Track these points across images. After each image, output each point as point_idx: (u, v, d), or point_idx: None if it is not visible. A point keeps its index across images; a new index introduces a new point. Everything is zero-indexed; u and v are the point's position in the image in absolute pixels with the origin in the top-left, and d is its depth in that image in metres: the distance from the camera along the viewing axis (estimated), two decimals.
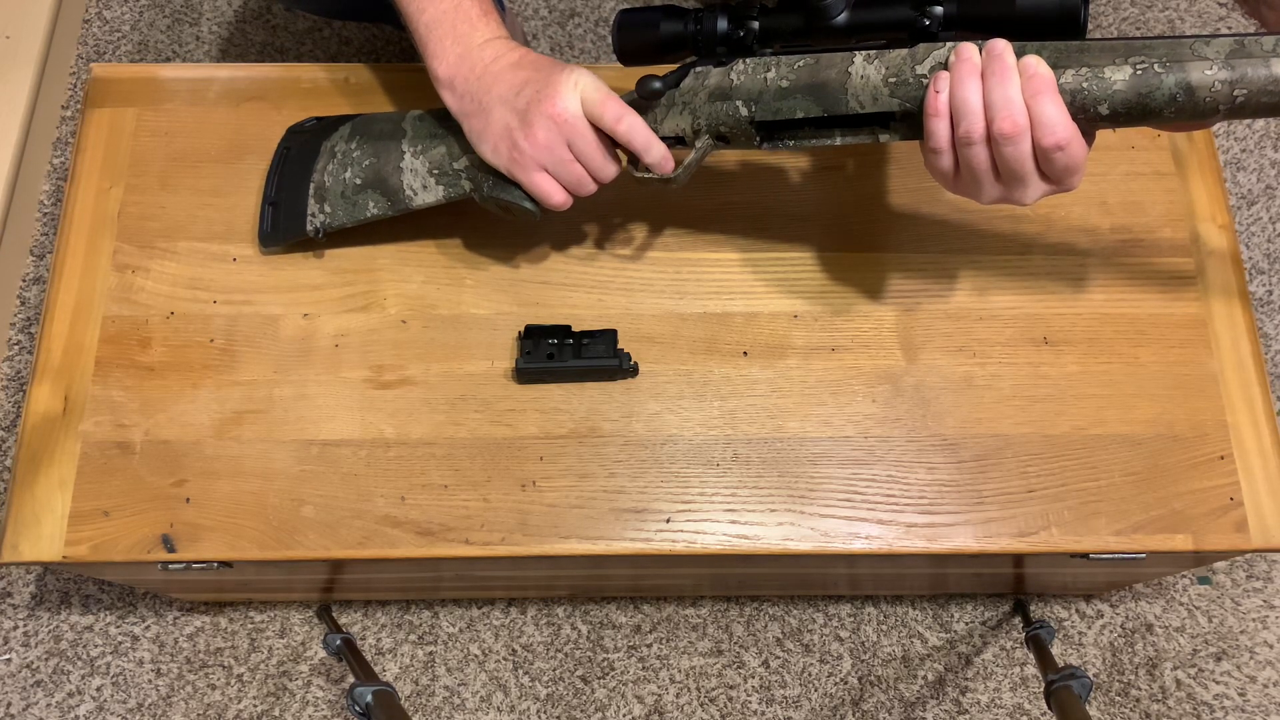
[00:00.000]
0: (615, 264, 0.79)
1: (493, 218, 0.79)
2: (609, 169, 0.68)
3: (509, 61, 0.67)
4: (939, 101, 0.58)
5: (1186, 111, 0.55)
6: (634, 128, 0.65)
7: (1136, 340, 0.76)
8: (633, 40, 0.67)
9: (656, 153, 0.66)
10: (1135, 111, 0.55)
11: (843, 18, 0.62)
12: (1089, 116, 0.56)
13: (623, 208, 0.80)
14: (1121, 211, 0.80)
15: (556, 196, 0.68)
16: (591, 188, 0.68)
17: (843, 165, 0.82)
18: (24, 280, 1.18)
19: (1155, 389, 0.75)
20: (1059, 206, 0.80)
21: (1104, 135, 0.82)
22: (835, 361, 0.75)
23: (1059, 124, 0.55)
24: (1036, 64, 0.56)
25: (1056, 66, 0.56)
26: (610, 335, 0.74)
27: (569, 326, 0.75)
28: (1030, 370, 0.75)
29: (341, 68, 0.84)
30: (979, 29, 0.59)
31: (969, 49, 0.57)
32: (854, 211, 0.80)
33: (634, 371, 0.74)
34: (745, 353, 0.76)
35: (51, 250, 1.14)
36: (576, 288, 0.78)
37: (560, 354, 0.73)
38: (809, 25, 0.62)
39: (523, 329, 0.75)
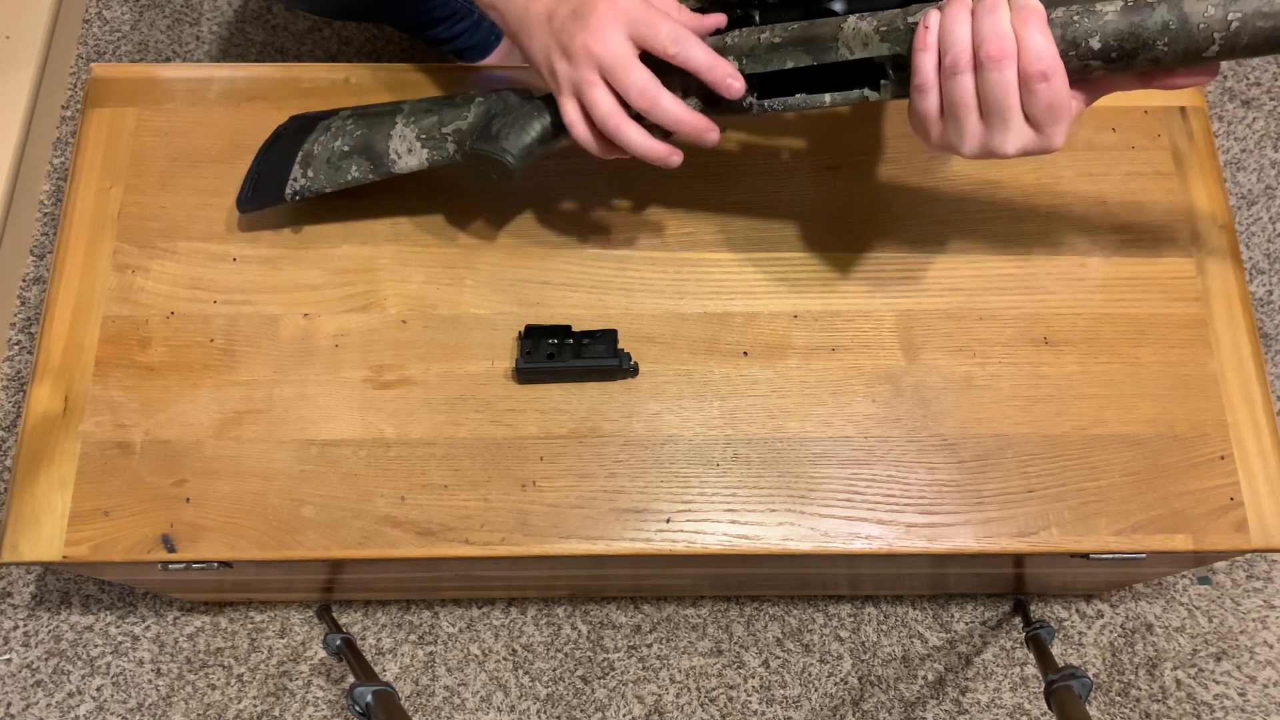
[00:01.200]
0: (615, 264, 0.79)
1: (493, 218, 0.80)
2: (661, 108, 0.61)
3: None
4: (928, 37, 0.57)
5: (1180, 42, 0.54)
6: (692, 51, 0.60)
7: (1136, 340, 0.76)
8: None
9: (721, 71, 0.61)
10: (1128, 45, 0.54)
11: (841, 7, 0.62)
12: (1080, 53, 0.55)
13: (623, 207, 0.80)
14: (1121, 211, 0.80)
15: (578, 122, 0.63)
16: (612, 118, 0.61)
17: (843, 165, 0.82)
18: (24, 280, 1.18)
19: (1155, 389, 0.75)
20: (1059, 206, 0.80)
21: (1103, 135, 0.82)
22: (835, 361, 0.75)
23: (1045, 51, 0.54)
24: None
25: (1049, 5, 0.55)
26: (610, 335, 0.74)
27: (569, 326, 0.75)
28: (1030, 370, 0.75)
29: (341, 68, 0.84)
30: None
31: None
32: (854, 211, 0.80)
33: (634, 371, 0.74)
34: (745, 353, 0.76)
35: (51, 250, 1.14)
36: (576, 288, 0.78)
37: (560, 354, 0.73)
38: (808, 18, 0.62)
39: (523, 329, 0.75)
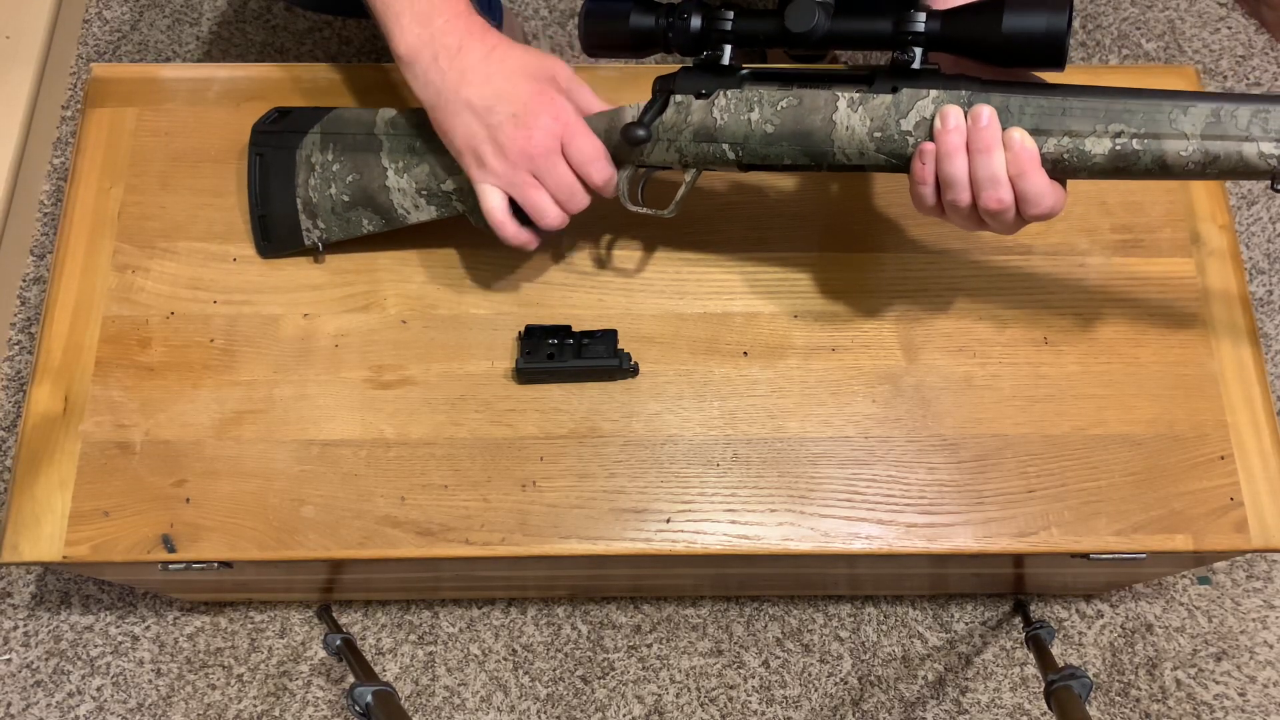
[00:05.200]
0: (615, 264, 0.79)
1: None
2: (579, 204, 0.66)
3: (479, 56, 0.63)
4: (925, 172, 0.59)
5: (1160, 177, 0.57)
6: (609, 185, 0.66)
7: (1136, 340, 0.76)
8: (600, 32, 0.66)
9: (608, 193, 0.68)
10: (1111, 175, 0.58)
11: (822, 31, 0.61)
12: (1066, 176, 0.58)
13: (622, 209, 0.80)
14: (1121, 211, 0.80)
15: (517, 235, 0.68)
16: (554, 222, 0.66)
17: None
18: (24, 280, 1.18)
19: (1155, 389, 0.75)
20: None
21: None
22: (835, 361, 0.75)
23: (1044, 196, 0.57)
24: (1022, 139, 0.56)
25: (1039, 132, 0.57)
26: (610, 335, 0.74)
27: (569, 326, 0.75)
28: (1030, 370, 0.75)
29: (341, 68, 0.84)
30: (962, 52, 0.59)
31: (954, 115, 0.57)
32: (854, 211, 0.80)
33: (634, 371, 0.74)
34: (745, 353, 0.76)
35: (51, 250, 1.14)
36: (576, 288, 0.78)
37: (560, 354, 0.73)
38: (786, 34, 0.61)
39: (523, 329, 0.75)
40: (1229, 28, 1.33)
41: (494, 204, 0.67)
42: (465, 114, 0.64)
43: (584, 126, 0.64)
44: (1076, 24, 1.32)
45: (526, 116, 0.62)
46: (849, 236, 0.79)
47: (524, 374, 0.73)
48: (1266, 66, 1.31)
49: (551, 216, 0.66)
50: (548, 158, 0.63)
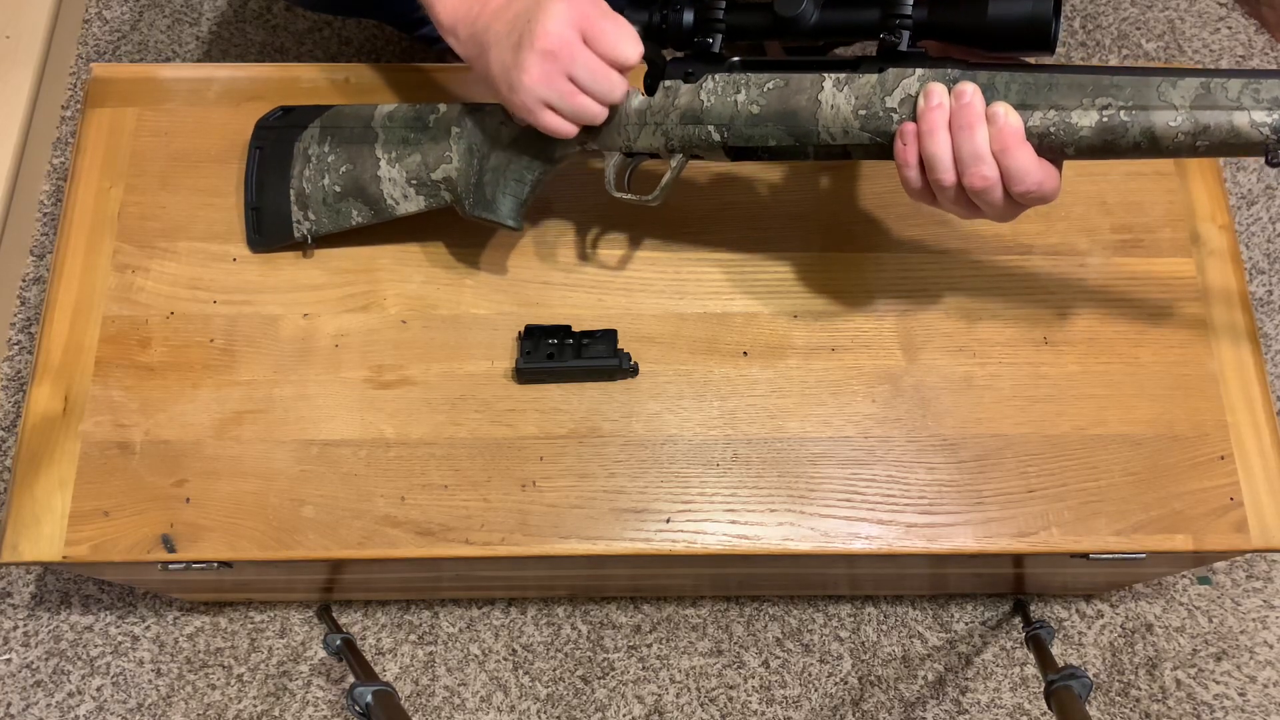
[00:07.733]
0: (615, 264, 0.79)
1: None
2: (617, 91, 0.62)
3: None
4: (908, 153, 0.58)
5: (1150, 154, 0.56)
6: (629, 52, 0.61)
7: (1136, 340, 0.76)
8: None
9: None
10: (1100, 152, 0.57)
11: (811, 18, 0.61)
12: (1055, 154, 0.57)
13: (622, 208, 0.80)
14: (1121, 211, 0.80)
15: (564, 130, 0.64)
16: (600, 114, 0.63)
17: (842, 165, 0.82)
18: (24, 280, 1.18)
19: (1155, 389, 0.75)
20: (1059, 206, 0.80)
21: None
22: (835, 361, 0.75)
23: (1030, 173, 0.56)
24: (1005, 113, 0.55)
25: (1024, 106, 0.56)
26: (610, 335, 0.74)
27: (569, 326, 0.75)
28: (1030, 370, 0.75)
29: (341, 68, 0.84)
30: (949, 38, 0.59)
31: (938, 92, 0.57)
32: (854, 211, 0.80)
33: (634, 371, 0.74)
34: (745, 353, 0.76)
35: (51, 250, 1.14)
36: (576, 288, 0.78)
37: (560, 354, 0.73)
38: (777, 23, 0.61)
39: (523, 329, 0.75)
40: (1229, 28, 1.33)
41: (553, 127, 0.64)
42: (494, 48, 0.62)
43: (601, 7, 0.60)
44: (1077, 24, 1.32)
45: (540, 14, 0.60)
46: (849, 236, 0.79)
47: (524, 374, 0.73)
48: (1266, 66, 1.31)
49: (595, 113, 0.63)
50: (569, 49, 0.60)
